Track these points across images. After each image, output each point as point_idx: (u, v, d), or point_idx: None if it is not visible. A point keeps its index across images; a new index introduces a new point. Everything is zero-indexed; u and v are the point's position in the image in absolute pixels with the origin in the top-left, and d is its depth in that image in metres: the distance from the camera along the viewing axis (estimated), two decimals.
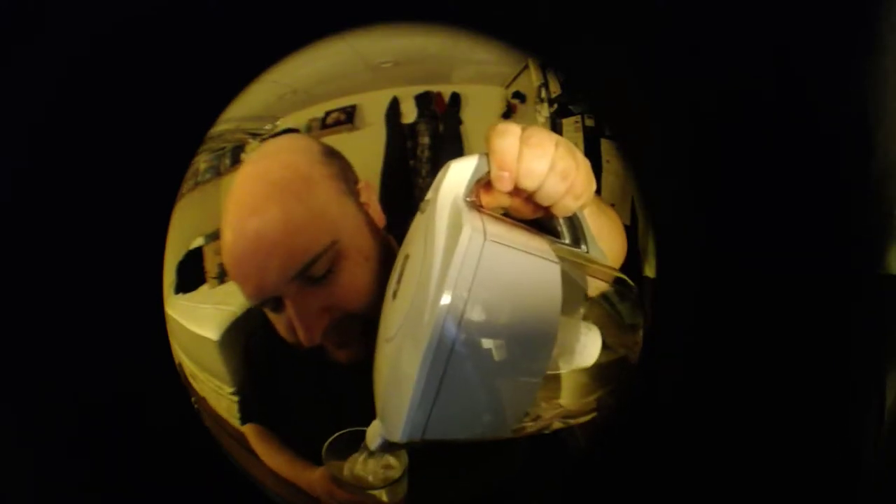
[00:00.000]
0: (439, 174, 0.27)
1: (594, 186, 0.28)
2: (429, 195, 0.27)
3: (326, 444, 0.34)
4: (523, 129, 0.26)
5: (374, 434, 0.27)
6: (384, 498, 0.35)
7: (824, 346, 0.33)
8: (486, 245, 0.23)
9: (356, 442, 0.31)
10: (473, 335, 0.23)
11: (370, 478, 0.33)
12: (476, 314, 0.23)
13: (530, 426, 0.27)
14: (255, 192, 0.35)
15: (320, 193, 0.36)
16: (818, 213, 0.33)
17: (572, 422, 0.30)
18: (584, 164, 0.27)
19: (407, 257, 0.28)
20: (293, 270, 0.34)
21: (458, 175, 0.26)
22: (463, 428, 0.25)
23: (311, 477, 0.36)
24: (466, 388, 0.24)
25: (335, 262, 0.34)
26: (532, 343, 0.25)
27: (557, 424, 0.29)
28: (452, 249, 0.23)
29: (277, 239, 0.34)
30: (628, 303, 0.31)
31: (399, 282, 0.28)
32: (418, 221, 0.28)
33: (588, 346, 0.29)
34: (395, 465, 0.34)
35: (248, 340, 0.39)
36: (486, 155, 0.26)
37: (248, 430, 0.39)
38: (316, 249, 0.34)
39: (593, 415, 0.30)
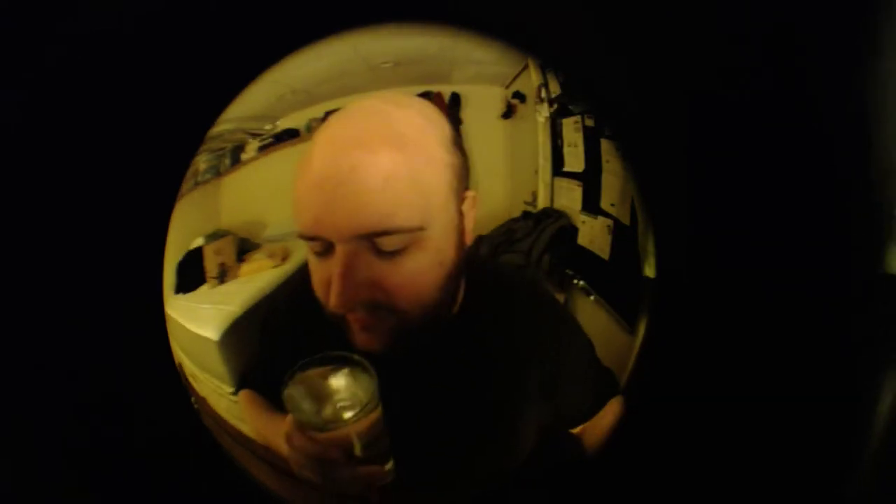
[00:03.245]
0: None
1: None
2: None
3: (288, 373, 0.31)
4: None
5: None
6: (356, 449, 0.32)
7: (824, 347, 0.33)
8: None
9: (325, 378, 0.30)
10: None
11: (329, 411, 0.31)
12: None
13: None
14: (373, 129, 0.32)
15: (434, 175, 0.32)
16: (818, 213, 0.33)
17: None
18: None
19: None
20: (368, 228, 0.30)
21: None
22: None
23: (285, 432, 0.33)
24: None
25: (409, 247, 0.31)
26: None
27: None
28: None
29: (373, 186, 0.30)
30: None
31: None
32: None
33: None
34: (365, 397, 0.32)
35: (266, 316, 0.37)
36: None
37: (242, 397, 0.37)
38: (401, 223, 0.31)
39: None
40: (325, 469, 0.33)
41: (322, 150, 0.32)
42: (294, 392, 0.32)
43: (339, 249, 0.31)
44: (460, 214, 0.35)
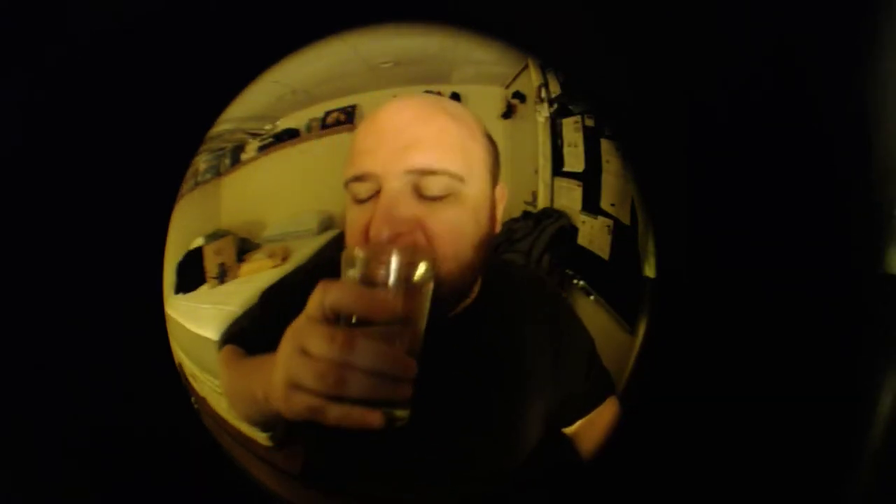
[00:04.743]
0: None
1: None
2: None
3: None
4: None
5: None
6: (401, 315, 0.29)
7: (824, 347, 0.33)
8: None
9: None
10: None
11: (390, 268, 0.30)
12: None
13: None
14: (430, 101, 0.36)
15: (475, 148, 0.36)
16: (818, 212, 0.33)
17: None
18: None
19: None
20: (418, 165, 0.33)
21: None
22: None
23: (271, 371, 0.31)
24: None
25: (449, 197, 0.34)
26: None
27: None
28: None
29: (429, 133, 0.34)
30: None
31: None
32: None
33: None
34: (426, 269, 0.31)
35: (267, 293, 0.37)
36: None
37: (224, 353, 0.37)
38: (448, 165, 0.34)
39: None
40: (359, 341, 0.29)
41: (386, 109, 0.35)
42: (356, 252, 0.31)
43: (386, 188, 0.33)
44: (493, 199, 0.37)
